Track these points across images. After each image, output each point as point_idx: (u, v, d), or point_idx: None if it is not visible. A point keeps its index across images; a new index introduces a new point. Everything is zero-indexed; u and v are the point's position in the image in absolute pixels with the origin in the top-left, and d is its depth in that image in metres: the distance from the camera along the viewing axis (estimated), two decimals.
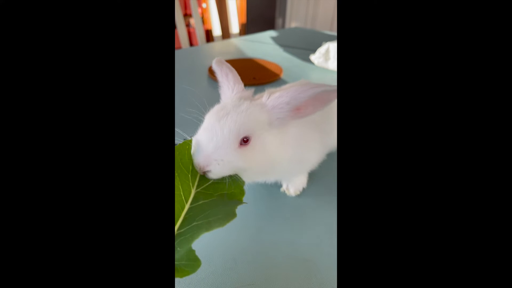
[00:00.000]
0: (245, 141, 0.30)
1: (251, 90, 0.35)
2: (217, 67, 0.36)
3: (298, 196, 0.40)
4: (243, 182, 0.30)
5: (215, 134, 0.29)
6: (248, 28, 2.71)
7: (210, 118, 0.30)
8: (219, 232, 0.35)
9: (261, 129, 0.31)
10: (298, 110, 0.32)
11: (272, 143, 0.32)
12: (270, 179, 0.39)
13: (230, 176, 0.30)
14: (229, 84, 0.35)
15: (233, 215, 0.26)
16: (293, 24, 2.57)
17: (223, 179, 0.29)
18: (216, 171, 0.29)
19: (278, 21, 2.77)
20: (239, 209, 0.38)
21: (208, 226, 0.25)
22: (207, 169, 0.28)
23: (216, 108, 0.32)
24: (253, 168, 0.31)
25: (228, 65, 0.36)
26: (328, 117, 0.42)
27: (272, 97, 0.31)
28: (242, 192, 0.29)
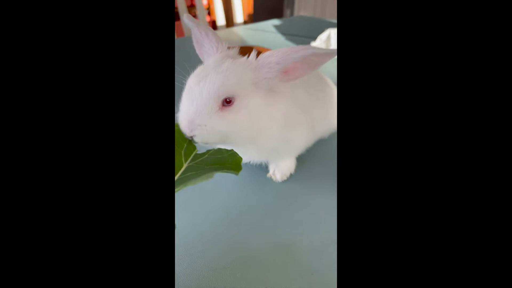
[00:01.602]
0: (228, 101, 0.29)
1: (236, 48, 0.34)
2: (193, 24, 0.32)
3: (284, 181, 0.39)
4: (240, 158, 0.29)
5: (195, 98, 0.28)
6: (255, 18, 2.67)
7: (190, 81, 0.30)
8: (198, 214, 0.34)
9: (245, 89, 0.29)
10: (286, 73, 0.31)
11: (258, 107, 0.30)
12: (256, 157, 0.37)
13: (227, 151, 0.29)
14: (212, 43, 0.33)
15: (209, 176, 0.25)
16: (302, 13, 2.52)
17: (219, 152, 0.29)
18: (201, 136, 0.28)
19: (286, 12, 2.72)
20: (222, 194, 0.37)
21: (184, 186, 0.24)
22: (192, 134, 0.28)
23: (198, 70, 0.30)
24: (237, 133, 0.30)
25: (206, 24, 0.35)
26: (317, 102, 0.40)
27: (260, 56, 0.30)
28: (239, 167, 0.28)
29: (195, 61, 0.33)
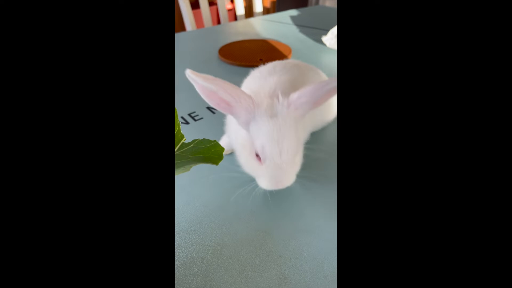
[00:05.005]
0: None
1: (264, 97, 0.36)
2: (217, 87, 0.32)
3: None
4: (222, 149, 0.32)
5: (286, 166, 0.34)
6: (278, 5, 2.63)
7: (273, 150, 0.34)
8: (191, 197, 0.39)
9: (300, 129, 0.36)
10: (315, 103, 0.35)
11: (300, 138, 0.38)
12: None
13: (210, 141, 0.31)
14: (247, 101, 0.34)
15: (186, 169, 0.29)
16: (328, 2, 2.45)
17: (203, 143, 0.32)
18: (291, 183, 0.36)
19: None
20: (214, 181, 0.42)
21: None
22: (284, 187, 0.36)
23: (266, 133, 0.34)
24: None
25: (228, 84, 0.34)
26: None
27: (291, 99, 0.35)
28: (220, 157, 0.31)
29: (202, 55, 0.35)
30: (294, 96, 0.34)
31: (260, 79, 0.44)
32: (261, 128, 0.34)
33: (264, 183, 0.35)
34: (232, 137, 0.41)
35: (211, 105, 0.35)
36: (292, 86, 0.42)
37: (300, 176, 0.41)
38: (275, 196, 0.39)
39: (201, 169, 0.43)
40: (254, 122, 0.35)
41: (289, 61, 0.51)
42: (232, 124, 0.40)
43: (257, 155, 0.35)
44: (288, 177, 0.35)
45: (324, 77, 0.53)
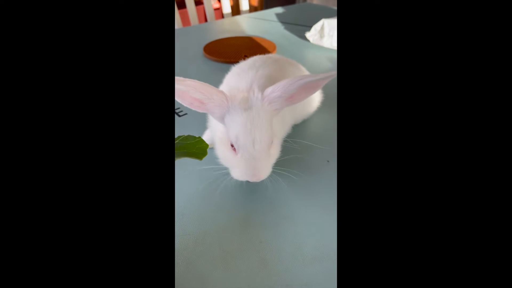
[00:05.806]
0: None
1: (239, 92, 0.37)
2: (189, 87, 0.33)
3: None
4: (206, 145, 0.32)
5: (257, 157, 0.35)
6: (266, 3, 2.63)
7: (244, 142, 0.35)
8: (175, 190, 0.40)
9: (274, 122, 0.37)
10: (291, 98, 0.36)
11: (277, 131, 0.39)
12: None
13: (195, 137, 0.32)
14: (220, 97, 0.35)
15: None
16: (315, 1, 2.46)
17: (188, 139, 0.32)
18: (266, 175, 0.37)
19: None
20: (198, 172, 0.42)
21: None
22: (261, 179, 0.36)
23: (242, 129, 0.35)
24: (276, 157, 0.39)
25: (201, 85, 0.34)
26: None
27: (265, 93, 0.36)
28: (204, 153, 0.32)
29: (187, 52, 0.35)
30: (268, 90, 0.35)
31: (239, 75, 0.45)
32: (235, 119, 0.35)
33: (238, 173, 0.36)
34: (213, 132, 0.42)
35: (185, 105, 0.35)
36: (271, 81, 0.42)
37: (281, 166, 0.42)
38: (256, 186, 0.40)
39: (183, 163, 0.44)
40: (228, 114, 0.36)
41: (270, 56, 0.52)
42: (212, 119, 0.41)
43: (232, 146, 0.36)
44: (262, 169, 0.35)
45: (304, 71, 0.54)
